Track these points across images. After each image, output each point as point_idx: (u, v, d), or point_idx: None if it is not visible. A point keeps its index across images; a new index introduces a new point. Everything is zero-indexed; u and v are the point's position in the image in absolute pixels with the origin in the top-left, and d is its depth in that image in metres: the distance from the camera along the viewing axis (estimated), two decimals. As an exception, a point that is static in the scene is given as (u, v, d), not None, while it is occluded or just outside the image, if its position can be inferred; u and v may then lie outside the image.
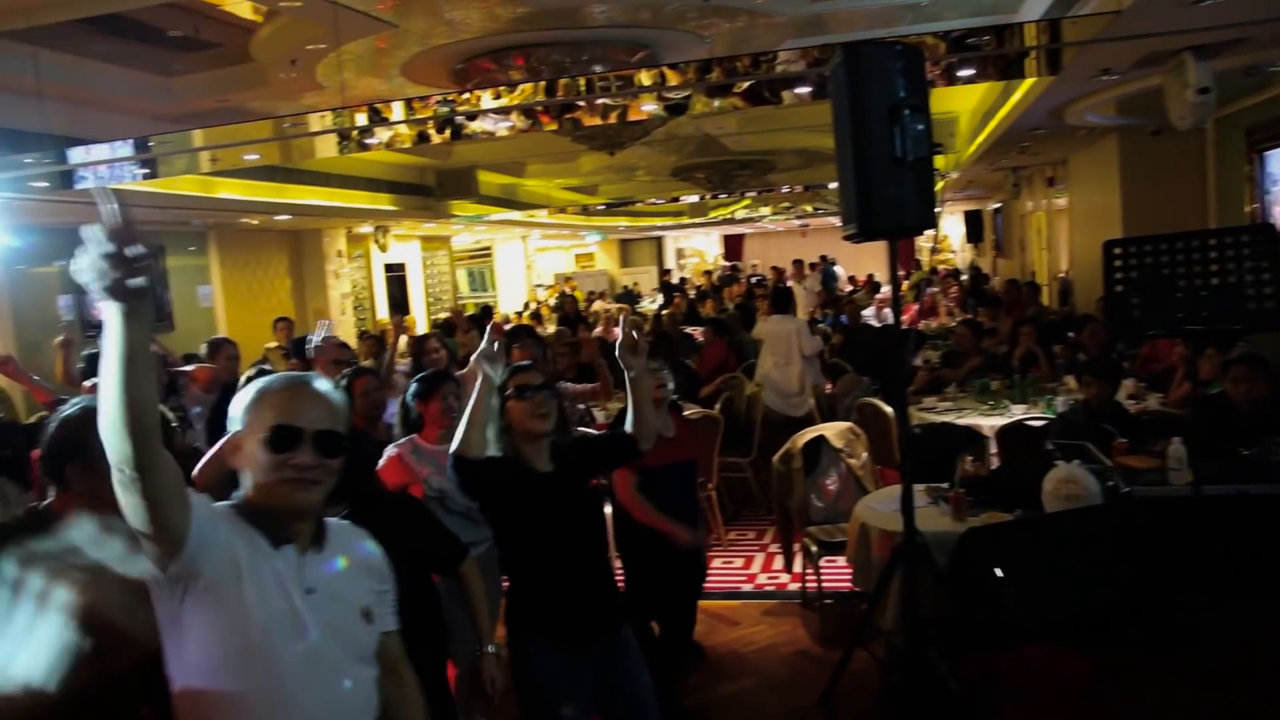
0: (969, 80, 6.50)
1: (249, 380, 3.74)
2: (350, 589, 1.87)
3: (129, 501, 1.56)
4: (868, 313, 13.66)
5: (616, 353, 3.10)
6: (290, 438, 1.77)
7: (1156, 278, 3.98)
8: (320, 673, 1.76)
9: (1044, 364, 7.59)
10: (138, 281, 1.40)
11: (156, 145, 7.34)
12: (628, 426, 3.14)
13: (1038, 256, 15.32)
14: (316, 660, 1.76)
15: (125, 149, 7.20)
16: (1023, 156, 12.16)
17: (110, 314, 1.44)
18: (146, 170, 7.81)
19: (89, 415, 2.30)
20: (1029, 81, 7.10)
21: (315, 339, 5.16)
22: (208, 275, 12.81)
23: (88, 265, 1.39)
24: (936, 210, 3.60)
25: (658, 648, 4.22)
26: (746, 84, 6.57)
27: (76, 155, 7.09)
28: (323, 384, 1.89)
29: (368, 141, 7.93)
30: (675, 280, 23.45)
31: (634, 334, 3.07)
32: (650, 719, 3.02)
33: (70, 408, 2.38)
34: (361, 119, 7.15)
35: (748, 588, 6.01)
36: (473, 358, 2.96)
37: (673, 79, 6.45)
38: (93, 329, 9.73)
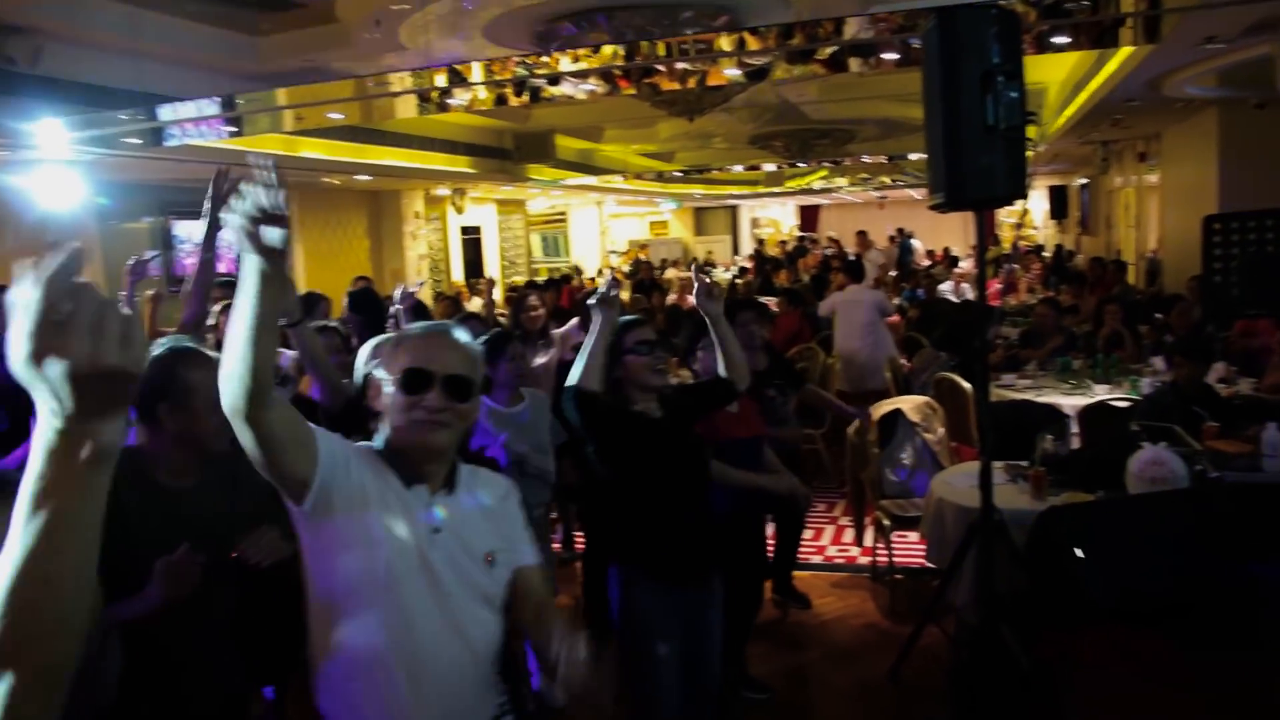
0: (1062, 49, 6.30)
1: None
2: (475, 532, 1.92)
3: (246, 446, 1.67)
4: (945, 287, 13.43)
5: (694, 300, 3.23)
6: (421, 380, 1.85)
7: (1259, 255, 3.83)
8: (440, 609, 1.84)
9: (1130, 344, 7.39)
10: (279, 238, 1.50)
11: (243, 104, 7.46)
12: (720, 370, 3.27)
13: (1125, 234, 14.88)
14: (437, 597, 1.84)
15: (212, 107, 7.34)
16: (1114, 130, 11.78)
17: (249, 269, 1.54)
18: (233, 129, 7.96)
19: (178, 354, 2.37)
20: (1125, 51, 6.85)
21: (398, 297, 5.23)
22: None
23: (237, 219, 1.49)
24: (1026, 181, 3.50)
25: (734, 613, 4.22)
26: (829, 50, 6.46)
27: (165, 113, 7.25)
28: (460, 333, 1.98)
29: (447, 103, 7.99)
30: (752, 249, 23.28)
31: (708, 279, 3.20)
32: (713, 669, 3.13)
33: (160, 347, 2.45)
34: (441, 80, 7.19)
35: (817, 560, 5.99)
36: (591, 301, 3.02)
37: (753, 44, 6.36)
38: (176, 285, 9.97)
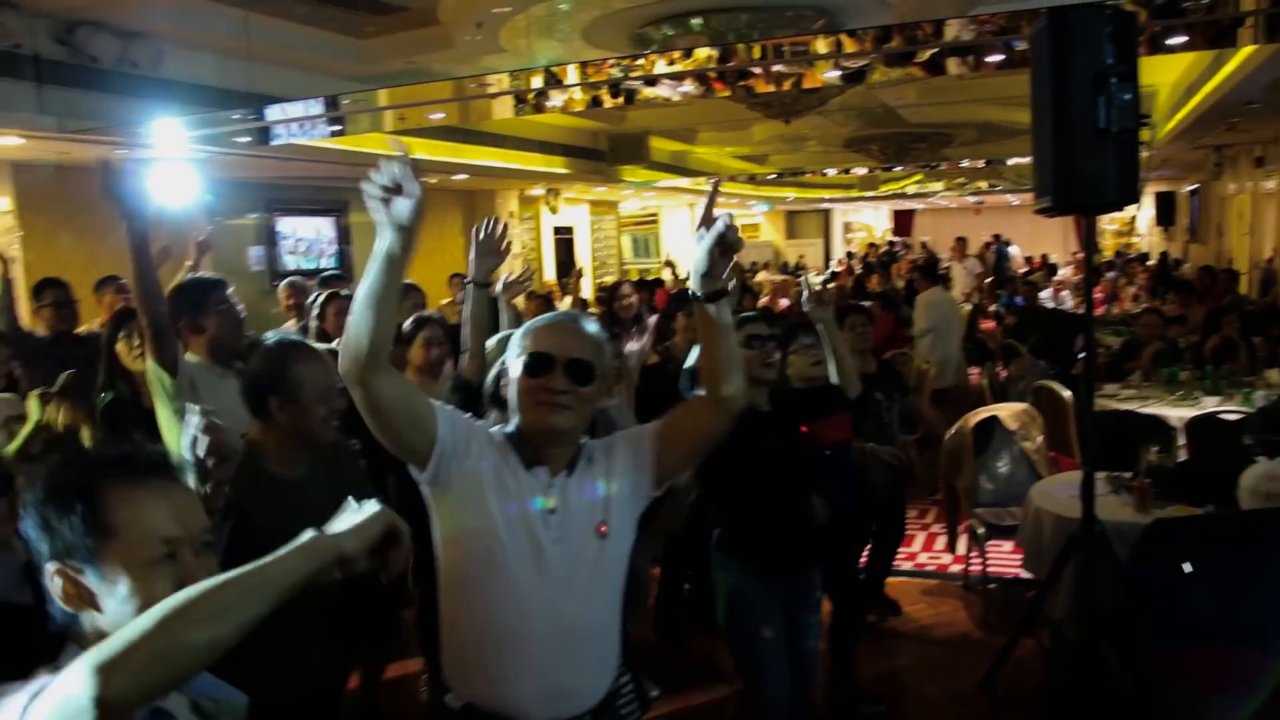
0: (1176, 49, 6.10)
1: (412, 328, 3.89)
2: (590, 509, 1.96)
3: (363, 413, 1.79)
4: (1044, 295, 13.11)
5: (804, 306, 3.32)
6: (544, 363, 1.92)
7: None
8: (553, 587, 1.90)
9: (1243, 355, 7.11)
10: (410, 213, 1.62)
11: (346, 104, 7.65)
12: (832, 377, 3.36)
13: (1238, 242, 14.30)
14: (550, 576, 1.90)
15: (316, 107, 7.55)
16: (1229, 134, 11.35)
17: (381, 240, 1.66)
18: (337, 128, 8.17)
19: (286, 349, 2.44)
20: (1245, 51, 6.60)
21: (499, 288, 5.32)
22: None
23: (374, 192, 1.62)
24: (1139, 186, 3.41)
25: (839, 616, 4.18)
26: (929, 52, 6.36)
27: (273, 113, 7.47)
28: (588, 322, 2.04)
29: (545, 104, 8.08)
30: (844, 254, 23.01)
31: (817, 289, 3.31)
32: (810, 662, 3.17)
33: (271, 340, 2.53)
34: (537, 82, 7.28)
35: (907, 566, 5.90)
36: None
37: (850, 46, 6.30)
38: (277, 278, 10.26)
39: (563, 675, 1.92)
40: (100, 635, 1.15)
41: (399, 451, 1.89)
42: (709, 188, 1.98)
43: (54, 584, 1.22)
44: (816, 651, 3.24)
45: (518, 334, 2.02)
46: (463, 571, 1.93)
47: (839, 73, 7.08)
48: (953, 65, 6.40)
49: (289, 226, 12.06)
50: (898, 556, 5.68)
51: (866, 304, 10.01)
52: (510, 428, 2.00)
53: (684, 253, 22.07)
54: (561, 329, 1.99)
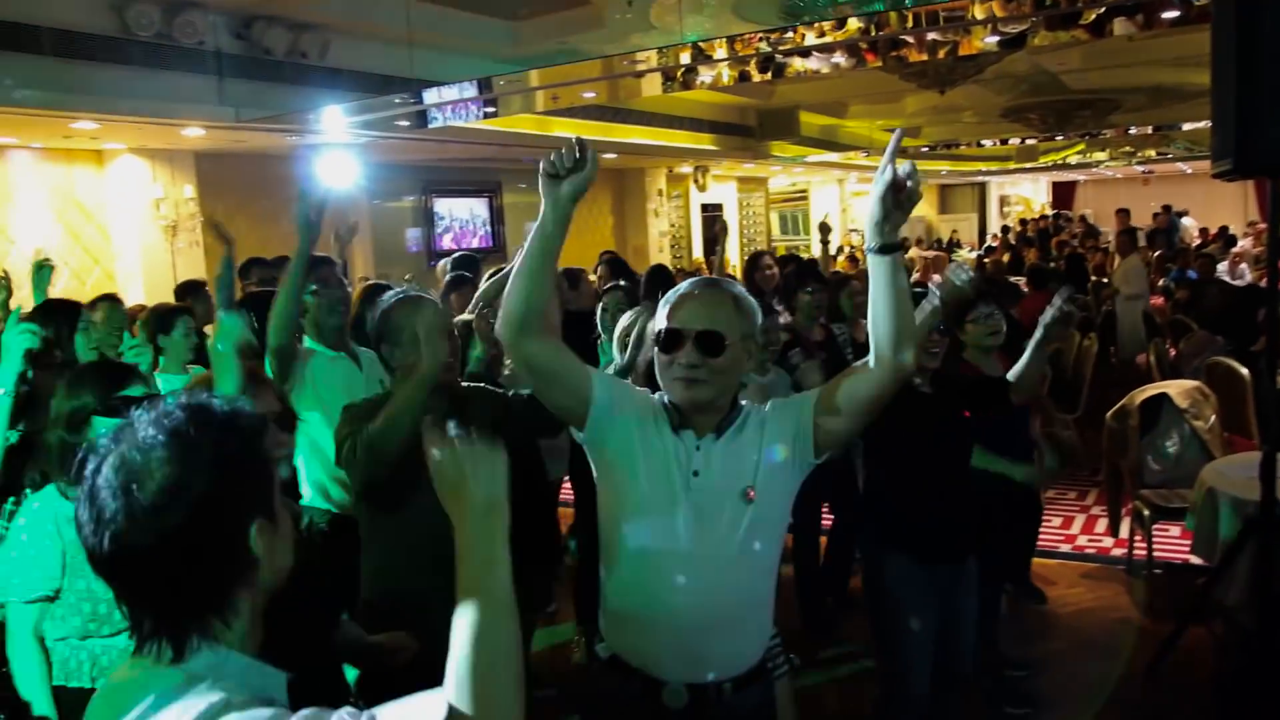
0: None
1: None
2: (736, 473, 1.95)
3: (520, 373, 2.00)
4: (1222, 267, 12.36)
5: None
6: (673, 339, 1.95)
7: None
8: (701, 549, 1.92)
9: None
10: (571, 192, 1.78)
11: (500, 85, 7.84)
12: (1011, 374, 3.19)
13: None
14: (697, 537, 1.92)
15: (471, 90, 7.76)
16: None
17: (541, 216, 1.81)
18: (491, 109, 8.38)
19: (393, 300, 2.61)
20: None
21: None
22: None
23: (550, 169, 1.76)
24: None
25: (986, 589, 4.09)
26: (1094, 13, 6.07)
27: (430, 96, 7.73)
28: (723, 288, 2.01)
29: (694, 81, 8.08)
30: (1001, 229, 22.23)
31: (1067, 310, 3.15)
32: (966, 651, 3.08)
33: (389, 296, 2.66)
34: (685, 58, 7.28)
35: (1065, 548, 5.71)
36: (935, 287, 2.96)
37: (1008, 10, 6.06)
38: (434, 258, 10.64)
39: (702, 639, 1.92)
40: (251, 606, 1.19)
41: (558, 411, 1.99)
42: (891, 141, 1.83)
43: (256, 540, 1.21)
44: (973, 637, 3.13)
45: (661, 303, 2.03)
46: (612, 528, 1.97)
47: (997, 38, 6.84)
48: (1121, 25, 6.10)
49: (444, 208, 12.46)
50: (1053, 537, 5.52)
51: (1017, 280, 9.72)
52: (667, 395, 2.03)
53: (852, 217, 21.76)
54: (690, 299, 1.98)
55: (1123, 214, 16.20)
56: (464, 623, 1.11)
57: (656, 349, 1.98)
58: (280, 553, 1.18)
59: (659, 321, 1.99)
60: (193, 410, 1.12)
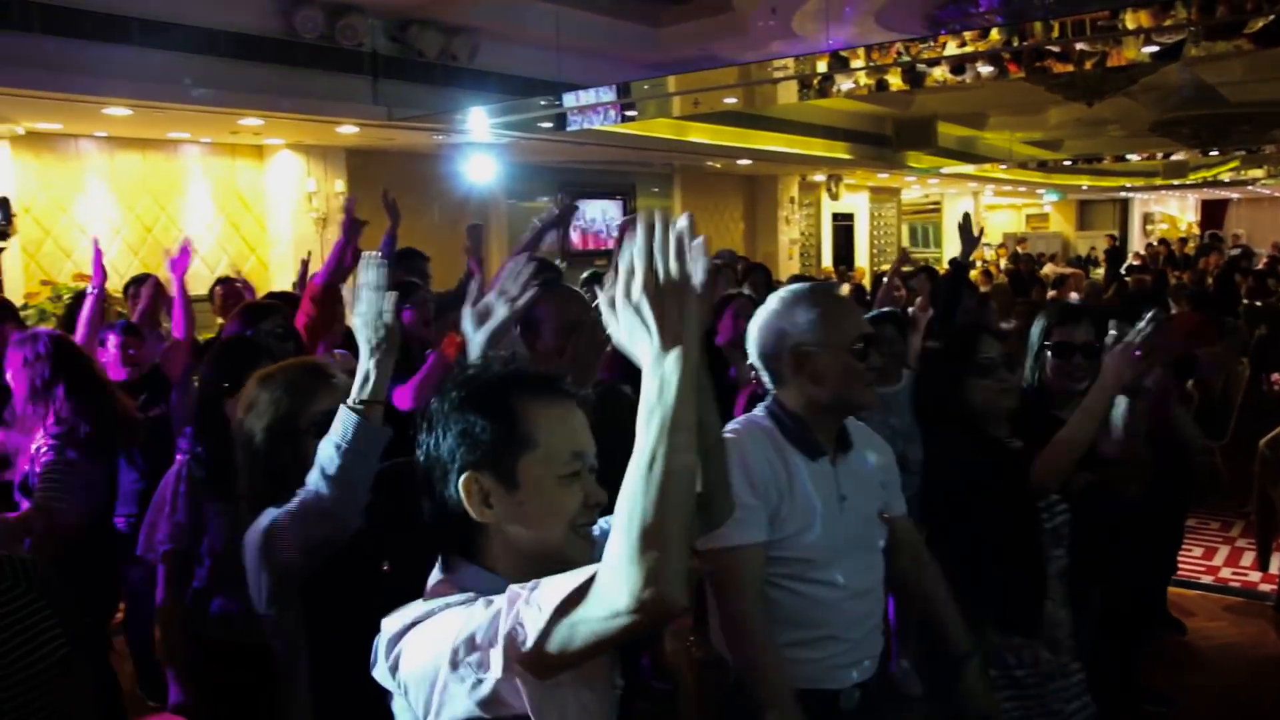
0: None
1: None
2: (870, 493, 2.04)
3: None
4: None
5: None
6: (868, 345, 1.98)
7: None
8: (856, 568, 1.97)
9: None
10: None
11: (646, 88, 7.98)
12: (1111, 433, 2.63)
13: None
14: (852, 558, 1.97)
15: (609, 94, 7.93)
16: None
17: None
18: (631, 113, 8.54)
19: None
20: None
21: None
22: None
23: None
24: None
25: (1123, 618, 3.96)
26: (1261, 22, 5.83)
27: (570, 100, 7.93)
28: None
29: (830, 89, 8.07)
30: (1142, 248, 21.36)
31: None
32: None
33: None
34: (822, 67, 7.28)
35: (1207, 579, 5.51)
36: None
37: (1147, 20, 5.84)
38: (568, 259, 10.88)
39: (860, 650, 1.99)
40: (505, 543, 1.26)
41: None
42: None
43: (466, 492, 1.25)
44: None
45: (813, 314, 1.98)
46: (795, 569, 1.95)
47: (1152, 49, 6.63)
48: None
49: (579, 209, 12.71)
50: (1194, 568, 5.33)
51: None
52: (771, 418, 2.00)
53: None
54: (849, 305, 2.11)
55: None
56: (635, 456, 1.09)
57: (848, 358, 1.96)
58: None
59: (833, 328, 1.97)
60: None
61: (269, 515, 1.86)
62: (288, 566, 1.84)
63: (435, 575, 1.32)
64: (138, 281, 4.96)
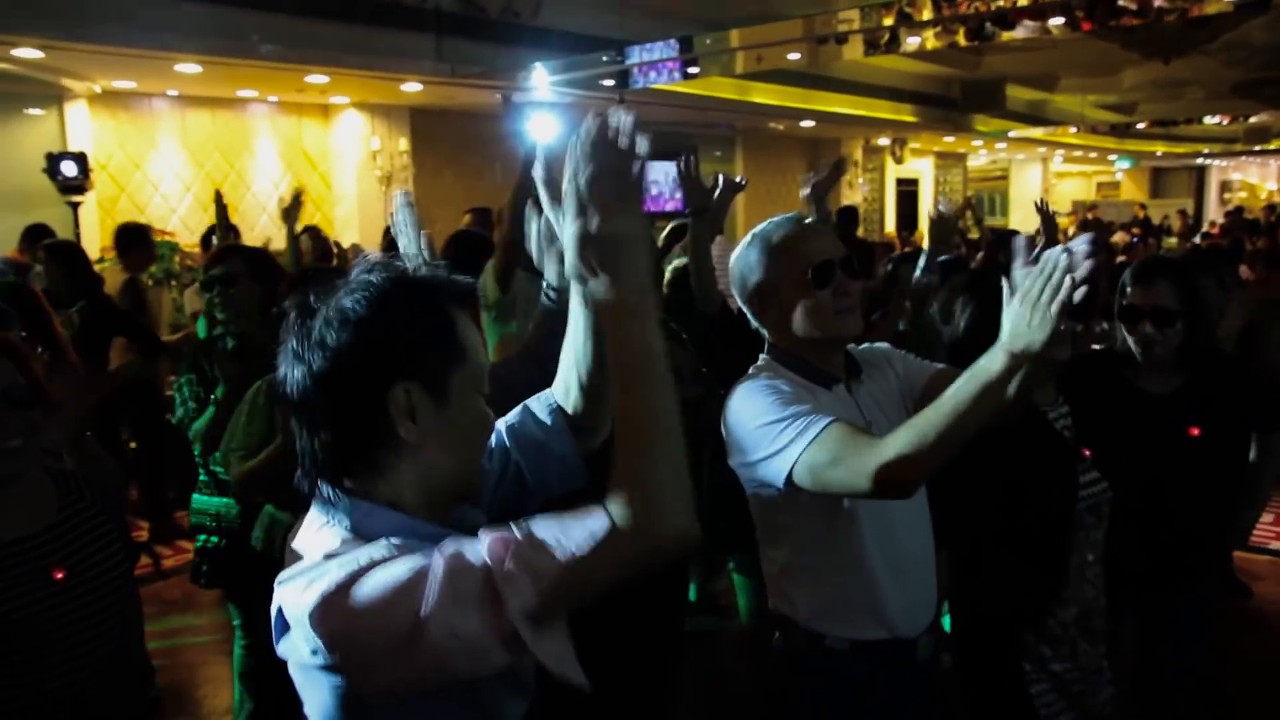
0: None
1: None
2: (888, 415, 1.86)
3: None
4: None
5: None
6: (829, 271, 1.81)
7: None
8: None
9: None
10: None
11: (701, 45, 7.91)
12: None
13: None
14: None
15: (671, 49, 7.88)
16: None
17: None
18: (694, 70, 8.47)
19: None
20: None
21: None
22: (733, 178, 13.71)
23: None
24: None
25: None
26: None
27: (633, 56, 7.90)
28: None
29: (899, 47, 7.93)
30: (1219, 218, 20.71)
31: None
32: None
33: None
34: (889, 21, 7.16)
35: (1276, 545, 5.39)
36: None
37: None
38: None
39: (915, 589, 1.88)
40: (419, 473, 1.14)
41: None
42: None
43: (395, 405, 1.11)
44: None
45: (758, 252, 1.88)
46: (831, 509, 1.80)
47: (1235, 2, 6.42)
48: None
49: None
50: (1266, 534, 5.21)
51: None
52: (770, 359, 1.88)
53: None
54: (813, 232, 1.88)
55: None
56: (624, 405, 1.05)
57: (807, 288, 1.82)
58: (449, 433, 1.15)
59: (787, 262, 1.84)
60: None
61: None
62: None
63: (315, 519, 1.16)
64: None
